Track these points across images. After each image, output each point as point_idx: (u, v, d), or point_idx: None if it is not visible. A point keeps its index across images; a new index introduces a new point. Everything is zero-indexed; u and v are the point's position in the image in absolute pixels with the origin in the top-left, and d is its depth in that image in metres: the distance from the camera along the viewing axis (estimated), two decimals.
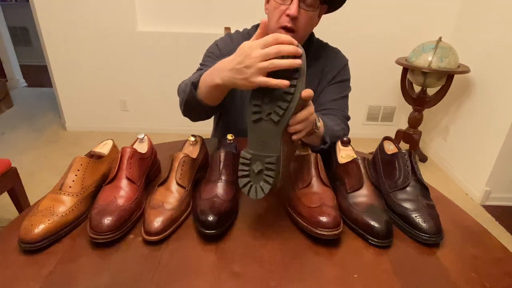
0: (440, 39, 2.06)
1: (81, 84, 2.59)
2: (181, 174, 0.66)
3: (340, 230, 0.58)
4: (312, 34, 0.98)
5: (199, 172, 0.75)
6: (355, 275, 0.53)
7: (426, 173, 2.35)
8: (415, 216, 0.61)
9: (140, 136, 0.79)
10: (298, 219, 0.62)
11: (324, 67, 0.98)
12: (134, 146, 0.77)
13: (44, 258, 0.53)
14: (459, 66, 2.08)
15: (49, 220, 0.56)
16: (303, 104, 0.60)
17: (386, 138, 0.81)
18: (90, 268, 0.52)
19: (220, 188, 0.64)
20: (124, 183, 0.63)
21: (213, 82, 0.68)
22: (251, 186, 0.58)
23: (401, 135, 2.41)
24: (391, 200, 0.66)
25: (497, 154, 1.88)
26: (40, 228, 0.54)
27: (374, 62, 2.53)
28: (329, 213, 0.58)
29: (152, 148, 0.77)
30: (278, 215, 0.66)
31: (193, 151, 0.78)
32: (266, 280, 0.51)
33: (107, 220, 0.55)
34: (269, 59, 0.55)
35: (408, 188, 0.65)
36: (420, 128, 2.39)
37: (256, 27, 0.98)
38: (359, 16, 2.38)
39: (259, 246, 0.58)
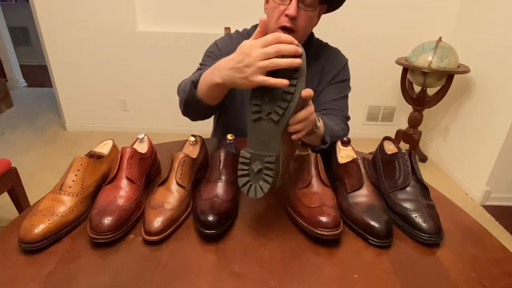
0: (440, 39, 2.06)
1: (81, 84, 2.59)
2: (181, 174, 0.66)
3: (340, 230, 0.58)
4: (312, 34, 0.98)
5: (199, 172, 0.75)
6: (355, 275, 0.53)
7: (426, 173, 2.35)
8: (415, 216, 0.61)
9: (140, 136, 0.79)
10: (298, 219, 0.62)
11: (324, 67, 0.98)
12: (134, 146, 0.77)
13: (44, 258, 0.53)
14: (459, 66, 2.08)
15: (49, 220, 0.56)
16: (303, 103, 0.60)
17: (386, 138, 0.81)
18: (90, 268, 0.52)
19: (220, 188, 0.64)
20: (124, 183, 0.63)
21: (213, 81, 0.68)
22: (250, 185, 0.58)
23: (401, 135, 2.41)
24: (391, 200, 0.66)
25: (497, 154, 1.88)
26: (40, 228, 0.54)
27: (374, 62, 2.53)
28: (329, 213, 0.58)
29: (152, 148, 0.77)
30: (278, 215, 0.66)
31: (193, 151, 0.78)
32: (266, 280, 0.51)
33: (107, 220, 0.55)
34: (269, 58, 0.55)
35: (408, 188, 0.65)
36: (420, 128, 2.39)
37: (255, 27, 0.98)
38: (359, 16, 2.38)
39: (259, 246, 0.58)
